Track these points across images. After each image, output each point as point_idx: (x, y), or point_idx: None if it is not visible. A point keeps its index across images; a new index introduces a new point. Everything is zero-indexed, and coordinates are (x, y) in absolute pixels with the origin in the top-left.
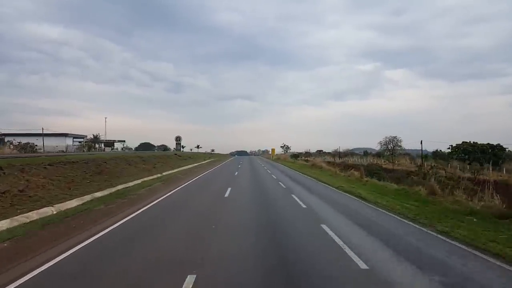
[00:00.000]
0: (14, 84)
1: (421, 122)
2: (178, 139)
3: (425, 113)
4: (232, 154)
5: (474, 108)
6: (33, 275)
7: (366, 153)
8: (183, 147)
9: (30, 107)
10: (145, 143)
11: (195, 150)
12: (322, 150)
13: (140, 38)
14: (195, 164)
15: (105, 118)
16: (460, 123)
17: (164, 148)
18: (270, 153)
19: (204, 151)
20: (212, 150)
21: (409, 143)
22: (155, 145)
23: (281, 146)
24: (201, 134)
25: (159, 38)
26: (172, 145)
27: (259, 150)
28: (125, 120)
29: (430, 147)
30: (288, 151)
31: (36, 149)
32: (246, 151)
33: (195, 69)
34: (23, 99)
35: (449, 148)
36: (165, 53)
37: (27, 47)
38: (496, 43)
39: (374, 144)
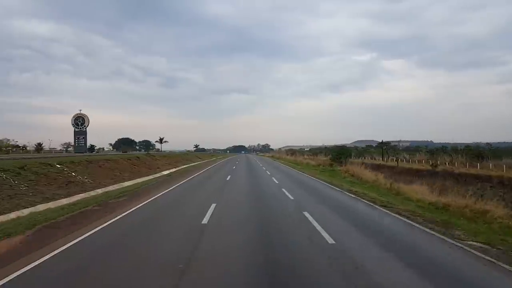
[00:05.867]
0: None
1: (418, 111)
2: (78, 121)
3: (422, 103)
4: (225, 151)
5: (471, 98)
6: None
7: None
8: (146, 143)
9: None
10: (123, 138)
11: (159, 146)
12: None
13: (131, 32)
14: None
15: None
16: (456, 113)
17: (146, 144)
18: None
19: (169, 150)
20: (196, 146)
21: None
22: (137, 140)
23: None
24: (197, 129)
25: (150, 31)
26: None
27: (258, 145)
28: (117, 116)
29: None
30: None
31: None
32: (244, 146)
33: (188, 63)
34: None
35: None
36: (157, 47)
37: (16, 45)
38: (493, 30)
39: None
